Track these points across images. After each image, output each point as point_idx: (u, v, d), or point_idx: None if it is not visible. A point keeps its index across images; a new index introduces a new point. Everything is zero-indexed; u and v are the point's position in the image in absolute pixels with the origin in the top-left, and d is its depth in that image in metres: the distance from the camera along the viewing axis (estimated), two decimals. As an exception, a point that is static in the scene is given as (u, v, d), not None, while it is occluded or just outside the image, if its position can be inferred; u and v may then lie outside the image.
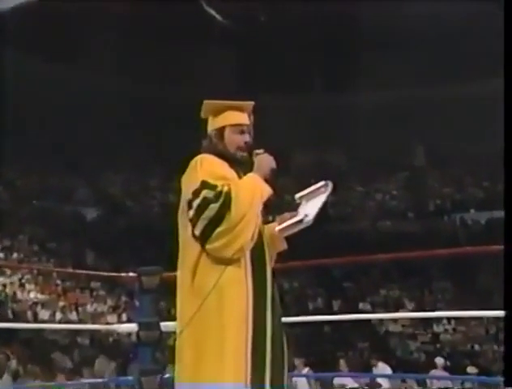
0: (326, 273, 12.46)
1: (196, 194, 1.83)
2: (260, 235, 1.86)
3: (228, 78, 15.41)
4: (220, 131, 1.94)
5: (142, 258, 9.84)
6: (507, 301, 1.77)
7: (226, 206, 1.79)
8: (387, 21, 14.47)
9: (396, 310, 11.07)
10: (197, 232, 1.82)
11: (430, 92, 14.99)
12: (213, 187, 1.82)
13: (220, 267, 1.79)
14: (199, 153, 1.95)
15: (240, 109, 1.97)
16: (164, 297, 11.05)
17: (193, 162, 1.89)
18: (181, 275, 1.90)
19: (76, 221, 13.20)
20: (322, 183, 1.91)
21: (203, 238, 1.80)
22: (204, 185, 1.83)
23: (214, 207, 1.79)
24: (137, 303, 3.07)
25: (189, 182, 1.87)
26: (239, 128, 1.95)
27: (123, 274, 3.22)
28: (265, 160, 1.90)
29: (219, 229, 1.78)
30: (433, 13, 14.16)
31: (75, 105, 14.05)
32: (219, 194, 1.80)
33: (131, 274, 3.05)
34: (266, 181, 1.88)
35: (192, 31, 14.59)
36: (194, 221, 1.83)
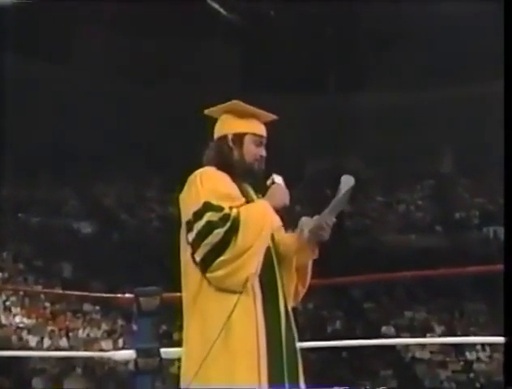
0: (344, 293, 12.42)
1: (198, 216, 1.82)
2: (269, 255, 1.86)
3: (231, 77, 15.47)
4: (239, 137, 1.94)
5: (140, 278, 9.79)
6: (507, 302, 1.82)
7: (233, 232, 1.78)
8: (405, 20, 14.55)
9: (423, 335, 11.00)
10: (197, 259, 1.82)
11: (459, 91, 14.97)
12: (218, 209, 1.80)
13: (225, 297, 1.80)
14: (201, 162, 1.95)
15: (263, 119, 1.99)
16: (165, 320, 11.09)
17: (192, 178, 1.88)
18: (185, 299, 1.91)
19: (66, 236, 13.23)
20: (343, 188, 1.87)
21: (204, 266, 1.80)
22: (207, 206, 1.81)
23: (219, 233, 1.78)
24: (135, 327, 3.11)
25: (189, 201, 1.86)
26: (259, 139, 1.95)
27: (119, 295, 3.26)
28: (280, 192, 1.89)
29: (222, 258, 1.78)
30: (454, 12, 14.22)
31: (65, 110, 14.18)
32: (225, 219, 1.79)
33: (128, 295, 3.08)
34: (276, 211, 1.87)
35: (194, 26, 14.71)
36: (194, 246, 1.82)
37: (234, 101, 1.95)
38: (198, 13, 14.43)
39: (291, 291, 1.95)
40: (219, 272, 1.78)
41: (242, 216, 1.80)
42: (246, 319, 1.80)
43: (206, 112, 1.98)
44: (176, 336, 10.34)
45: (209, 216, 1.80)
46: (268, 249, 1.86)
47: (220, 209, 1.80)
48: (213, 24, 15.02)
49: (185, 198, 1.88)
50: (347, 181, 1.84)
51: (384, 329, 12.03)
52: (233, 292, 1.79)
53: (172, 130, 15.02)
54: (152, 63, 14.88)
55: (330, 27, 15.05)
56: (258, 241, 1.80)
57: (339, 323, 12.37)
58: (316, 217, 1.86)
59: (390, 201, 15.80)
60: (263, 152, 1.95)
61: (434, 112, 15.38)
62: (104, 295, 3.78)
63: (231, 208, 1.81)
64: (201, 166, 1.94)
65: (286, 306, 1.89)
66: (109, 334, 9.98)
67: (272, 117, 2.00)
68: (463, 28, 14.09)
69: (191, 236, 1.82)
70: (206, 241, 1.79)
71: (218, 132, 1.96)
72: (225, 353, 1.77)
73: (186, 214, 1.85)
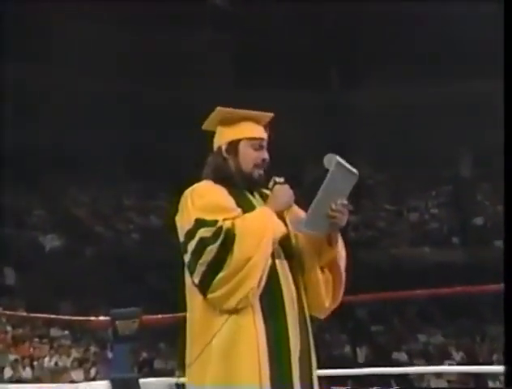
0: (348, 314, 12.39)
1: (191, 234, 1.88)
2: (274, 269, 1.90)
3: (225, 70, 15.54)
4: (234, 145, 2.01)
5: (116, 298, 9.81)
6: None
7: (227, 246, 1.83)
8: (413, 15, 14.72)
9: (440, 362, 11.00)
10: (196, 281, 1.87)
11: (479, 86, 15.05)
12: (211, 224, 1.86)
13: (224, 319, 1.85)
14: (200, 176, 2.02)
15: (258, 121, 2.04)
16: (146, 347, 11.02)
17: (183, 197, 1.96)
18: (188, 323, 1.96)
19: (31, 251, 13.18)
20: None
21: (203, 287, 1.85)
22: (199, 223, 1.87)
23: (212, 250, 1.83)
24: (110, 355, 3.17)
25: (182, 222, 1.93)
26: (257, 143, 2.01)
27: (92, 318, 3.35)
28: (283, 194, 1.94)
29: (219, 275, 1.82)
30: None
31: (38, 110, 14.20)
32: (218, 233, 1.84)
33: (103, 318, 3.13)
34: (279, 217, 1.92)
35: (184, 14, 14.74)
36: (191, 268, 1.88)
37: (218, 109, 2.02)
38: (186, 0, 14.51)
39: (319, 292, 1.98)
40: (219, 292, 1.83)
41: (238, 227, 1.84)
42: (246, 337, 1.84)
43: (203, 127, 2.07)
44: (157, 364, 10.30)
45: (201, 233, 1.86)
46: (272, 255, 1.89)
47: (214, 223, 1.86)
48: (202, 12, 15.10)
49: (179, 220, 1.96)
50: (329, 160, 1.90)
51: (395, 355, 12.04)
52: (233, 313, 1.84)
53: (156, 130, 15.07)
54: (139, 59, 14.94)
55: (330, 14, 15.15)
56: (257, 251, 1.83)
57: (343, 348, 12.38)
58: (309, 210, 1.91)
59: (401, 209, 15.82)
60: (265, 155, 2.01)
61: (451, 109, 15.45)
62: (75, 318, 3.81)
63: (225, 220, 1.86)
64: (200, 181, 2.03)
65: (302, 313, 1.93)
66: (81, 363, 9.90)
67: (268, 115, 2.05)
68: (471, 22, 14.29)
69: (187, 257, 1.89)
70: (201, 261, 1.85)
71: (214, 145, 2.06)
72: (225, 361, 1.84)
73: (181, 235, 1.93)
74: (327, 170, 1.91)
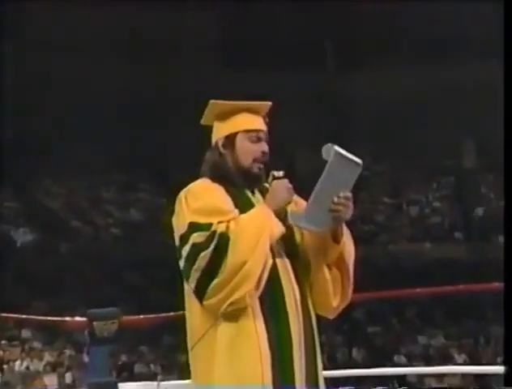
0: (344, 314, 12.44)
1: (185, 239, 1.92)
2: (275, 268, 1.93)
3: (211, 49, 15.43)
4: (231, 139, 2.03)
5: (94, 297, 9.74)
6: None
7: (221, 251, 1.87)
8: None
9: (441, 364, 11.05)
10: (191, 287, 1.92)
11: (483, 71, 15.06)
12: (205, 228, 1.89)
13: (225, 324, 1.91)
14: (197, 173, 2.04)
15: (255, 111, 2.05)
16: (125, 350, 11.00)
17: (178, 198, 1.99)
18: (187, 327, 2.01)
19: (1, 246, 13.04)
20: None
21: (199, 294, 1.90)
22: (193, 227, 1.91)
23: (205, 255, 1.87)
24: (86, 358, 3.18)
25: (176, 225, 1.97)
26: (255, 135, 2.03)
27: (67, 318, 3.30)
28: (281, 189, 1.97)
29: (214, 282, 1.87)
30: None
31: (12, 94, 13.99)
32: (211, 237, 1.88)
33: (79, 318, 3.12)
34: (279, 214, 1.95)
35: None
36: (186, 274, 1.92)
37: (211, 102, 2.04)
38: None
39: (326, 291, 2.02)
40: (215, 299, 1.87)
41: (232, 230, 1.88)
42: (246, 341, 1.89)
43: (202, 123, 2.10)
44: (138, 368, 10.30)
45: (195, 238, 1.90)
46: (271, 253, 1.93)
47: (208, 227, 1.89)
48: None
49: (174, 223, 1.99)
50: (327, 151, 1.92)
51: (393, 357, 12.10)
52: (230, 318, 1.90)
53: (138, 115, 14.98)
54: (124, 37, 14.83)
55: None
56: (253, 255, 1.87)
57: (339, 351, 12.42)
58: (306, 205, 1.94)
59: (400, 202, 15.84)
60: (264, 148, 2.02)
61: (454, 95, 15.45)
62: (49, 318, 3.80)
63: (219, 224, 1.89)
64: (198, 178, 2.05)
65: (306, 313, 1.97)
66: (54, 367, 9.90)
67: (266, 105, 2.07)
68: (473, 6, 14.29)
69: (181, 263, 1.93)
70: (195, 267, 1.89)
71: (212, 141, 2.09)
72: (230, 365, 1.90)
73: (176, 239, 1.97)
74: (326, 162, 1.92)
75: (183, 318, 2.00)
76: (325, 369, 2.08)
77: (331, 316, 2.07)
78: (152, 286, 12.39)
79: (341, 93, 16.20)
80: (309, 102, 15.94)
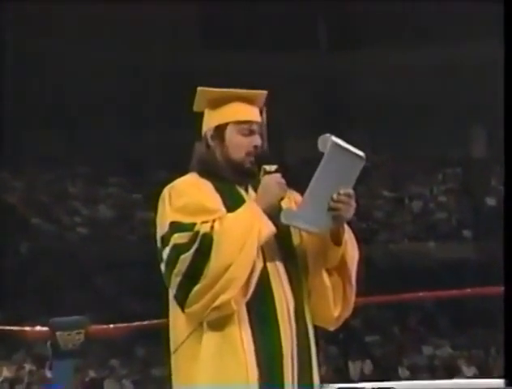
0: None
1: (165, 241, 1.97)
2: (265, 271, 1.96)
3: (187, 27, 15.35)
4: (220, 131, 2.07)
5: (57, 304, 9.82)
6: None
7: (204, 253, 1.90)
8: None
9: (448, 378, 11.08)
10: (172, 293, 1.97)
11: (495, 49, 15.04)
12: (188, 228, 1.93)
13: (209, 333, 1.95)
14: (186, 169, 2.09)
15: (248, 101, 2.09)
16: (93, 364, 10.88)
17: (161, 197, 2.04)
18: (171, 336, 2.05)
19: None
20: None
21: (180, 301, 1.94)
22: (174, 227, 1.95)
23: (186, 258, 1.91)
24: (49, 373, 3.21)
25: (158, 225, 2.02)
26: (247, 127, 2.07)
27: (27, 328, 3.25)
28: (272, 185, 1.99)
29: (196, 288, 1.90)
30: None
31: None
32: (193, 238, 1.91)
33: (40, 328, 3.11)
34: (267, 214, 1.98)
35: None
36: (166, 279, 1.96)
37: (198, 89, 2.08)
38: None
39: (326, 300, 2.04)
40: (196, 306, 1.90)
41: (216, 231, 1.91)
42: (232, 354, 1.93)
43: (194, 110, 2.14)
44: (107, 384, 10.22)
45: (176, 239, 1.94)
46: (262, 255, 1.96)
47: (191, 227, 1.93)
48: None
49: (157, 222, 2.04)
50: (324, 142, 1.93)
51: (394, 370, 12.11)
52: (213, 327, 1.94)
53: (110, 100, 14.82)
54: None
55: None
56: (239, 257, 1.89)
57: (333, 362, 12.41)
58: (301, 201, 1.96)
59: (402, 196, 15.85)
60: (257, 141, 2.06)
61: (462, 75, 15.48)
62: (6, 328, 3.78)
63: (203, 224, 1.92)
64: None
65: (302, 323, 1.99)
66: (12, 383, 9.92)
67: (262, 93, 2.10)
68: None
69: (162, 267, 1.98)
70: (175, 271, 1.92)
71: (202, 132, 2.14)
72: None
73: (158, 241, 2.01)
74: (323, 154, 1.94)
75: (163, 328, 2.04)
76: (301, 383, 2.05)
77: (332, 327, 2.09)
78: (124, 292, 12.44)
79: (333, 74, 16.15)
80: (299, 83, 15.86)
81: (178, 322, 1.97)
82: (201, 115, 2.12)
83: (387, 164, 16.22)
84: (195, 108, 2.11)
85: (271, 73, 13.75)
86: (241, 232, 1.90)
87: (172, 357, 2.00)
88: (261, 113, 2.10)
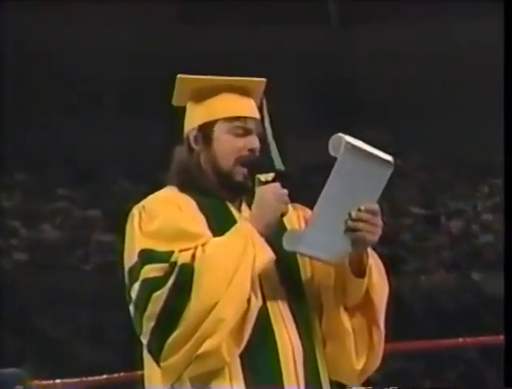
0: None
1: (133, 274, 1.99)
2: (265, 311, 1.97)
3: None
4: (206, 130, 2.10)
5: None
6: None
7: (183, 290, 1.90)
8: None
9: None
10: (144, 342, 1.99)
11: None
12: (161, 257, 1.94)
13: None
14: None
15: (242, 91, 2.10)
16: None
17: (130, 217, 2.06)
18: None
19: None
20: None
21: (154, 352, 1.95)
22: (144, 257, 1.97)
23: (160, 296, 1.91)
24: None
25: (126, 253, 2.04)
26: (240, 124, 2.09)
27: None
28: (269, 198, 1.99)
29: (174, 335, 1.90)
30: None
31: None
32: (169, 271, 1.92)
33: None
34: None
35: None
36: (136, 324, 1.99)
37: (178, 77, 2.10)
38: None
39: (347, 348, 2.06)
40: (175, 358, 1.90)
41: (198, 260, 1.91)
42: None
43: (174, 103, 2.17)
44: None
45: (147, 272, 1.95)
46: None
47: (166, 257, 1.94)
48: None
49: (124, 250, 2.06)
50: (336, 144, 1.93)
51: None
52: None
53: (60, 95, 14.96)
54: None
55: None
56: (227, 292, 1.89)
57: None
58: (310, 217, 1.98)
59: (437, 214, 15.90)
60: (253, 143, 2.09)
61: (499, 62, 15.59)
62: None
63: (181, 252, 1.93)
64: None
65: (314, 379, 2.02)
66: None
67: (259, 81, 2.13)
68: None
69: (131, 308, 2.00)
70: (147, 313, 1.93)
71: (184, 132, 2.17)
72: None
73: (125, 275, 2.03)
74: (335, 159, 1.94)
75: (136, 382, 2.04)
76: None
77: (354, 383, 2.17)
78: (74, 337, 12.45)
79: (342, 53, 16.12)
80: (300, 63, 15.90)
81: (154, 376, 1.96)
82: (182, 110, 2.14)
83: (416, 172, 16.25)
84: (175, 101, 2.14)
85: (259, 50, 13.91)
86: (228, 261, 1.90)
87: None
88: (260, 106, 2.11)
